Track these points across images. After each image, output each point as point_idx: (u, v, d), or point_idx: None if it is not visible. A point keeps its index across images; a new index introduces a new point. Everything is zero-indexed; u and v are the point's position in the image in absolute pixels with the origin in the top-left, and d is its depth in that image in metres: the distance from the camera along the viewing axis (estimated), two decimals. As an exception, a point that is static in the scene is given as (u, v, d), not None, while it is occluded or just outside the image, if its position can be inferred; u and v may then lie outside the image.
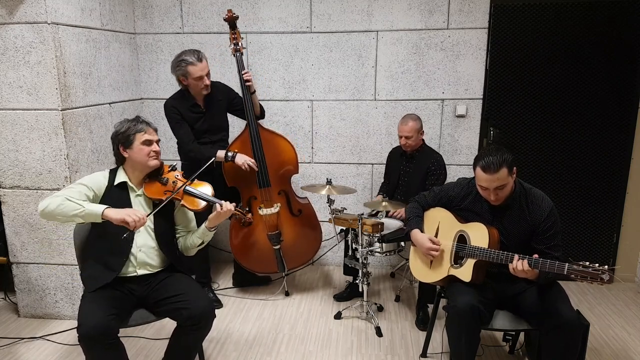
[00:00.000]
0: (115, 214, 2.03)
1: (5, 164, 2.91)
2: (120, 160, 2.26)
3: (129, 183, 2.24)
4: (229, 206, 2.24)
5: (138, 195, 2.26)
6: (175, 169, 2.34)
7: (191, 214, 2.41)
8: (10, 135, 2.86)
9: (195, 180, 2.34)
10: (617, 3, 3.27)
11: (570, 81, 3.42)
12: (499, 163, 2.11)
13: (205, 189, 2.33)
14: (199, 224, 2.42)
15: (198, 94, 3.06)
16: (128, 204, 2.22)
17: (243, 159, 3.06)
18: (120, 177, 2.24)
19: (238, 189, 3.26)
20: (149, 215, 2.15)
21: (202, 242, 2.35)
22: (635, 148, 3.48)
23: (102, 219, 2.04)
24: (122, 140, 2.19)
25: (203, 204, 2.27)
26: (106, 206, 2.05)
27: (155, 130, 2.27)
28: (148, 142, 2.20)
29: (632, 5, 3.26)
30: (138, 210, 2.12)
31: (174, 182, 2.27)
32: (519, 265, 2.06)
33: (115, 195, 2.21)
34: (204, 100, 3.10)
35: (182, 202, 2.25)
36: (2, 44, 2.75)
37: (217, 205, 2.23)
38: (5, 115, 2.84)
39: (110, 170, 2.27)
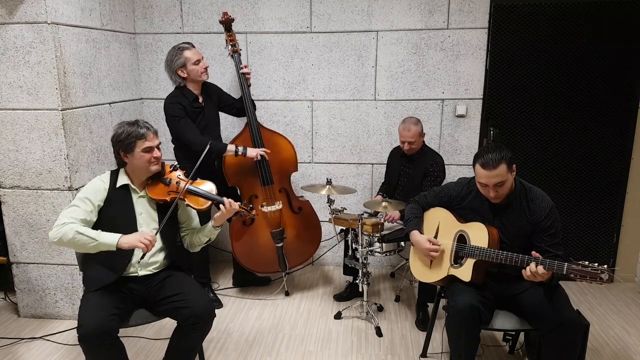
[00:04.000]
0: (128, 242, 2.05)
1: (5, 164, 2.91)
2: (122, 164, 2.24)
3: (131, 185, 2.24)
4: (234, 205, 2.26)
5: (141, 196, 2.25)
6: (177, 168, 2.33)
7: (193, 212, 2.41)
8: (10, 135, 2.86)
9: (198, 178, 2.34)
10: (618, 3, 3.27)
11: (570, 81, 3.42)
12: (498, 159, 2.12)
13: (208, 186, 2.33)
14: (201, 221, 2.43)
15: (197, 85, 3.07)
16: (131, 206, 2.22)
17: (255, 152, 3.09)
18: (122, 179, 2.22)
19: (239, 189, 3.27)
20: (157, 232, 2.16)
21: (209, 239, 2.38)
22: (635, 148, 3.47)
23: (117, 248, 2.05)
24: (122, 146, 2.17)
25: (208, 202, 2.27)
26: (119, 237, 2.05)
27: (156, 133, 2.23)
28: (149, 149, 2.17)
29: (632, 5, 3.26)
30: (146, 233, 2.12)
31: (177, 182, 2.27)
32: (532, 268, 2.03)
33: (118, 197, 2.20)
34: (202, 94, 3.12)
35: (187, 202, 2.25)
36: (2, 44, 2.75)
37: (222, 205, 2.24)
38: (5, 115, 2.84)
39: (112, 171, 2.26)
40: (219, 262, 4.00)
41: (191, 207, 2.28)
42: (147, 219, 2.25)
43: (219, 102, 3.26)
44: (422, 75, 3.57)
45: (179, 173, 2.32)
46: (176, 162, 2.44)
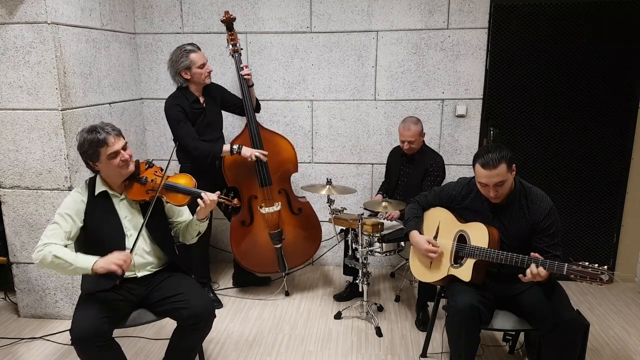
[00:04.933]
0: (102, 267, 1.97)
1: (5, 164, 2.91)
2: (95, 171, 2.17)
3: (110, 191, 2.18)
4: (212, 197, 2.20)
5: (122, 199, 2.21)
6: (152, 165, 2.26)
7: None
8: (10, 135, 2.86)
9: (175, 173, 2.30)
10: (618, 3, 3.27)
11: (570, 81, 3.42)
12: (498, 159, 2.12)
13: (186, 180, 2.27)
14: (192, 210, 2.37)
15: (199, 87, 3.07)
16: (114, 212, 2.18)
17: (250, 151, 3.07)
18: (99, 187, 2.16)
19: (238, 189, 3.27)
20: (132, 249, 2.08)
21: (199, 232, 2.34)
22: (635, 148, 3.47)
23: (93, 272, 1.99)
24: (87, 156, 2.09)
25: (187, 197, 2.22)
26: (94, 261, 1.98)
27: (119, 134, 2.12)
28: (114, 155, 2.08)
29: (632, 5, 3.26)
30: (120, 253, 2.02)
31: (152, 180, 2.20)
32: (533, 270, 2.03)
33: (99, 206, 2.15)
34: (203, 95, 3.12)
35: (166, 199, 2.21)
36: (2, 44, 2.75)
37: (200, 198, 2.19)
38: (5, 115, 2.84)
39: (89, 179, 2.19)
40: (219, 262, 4.00)
41: (171, 204, 2.24)
42: (132, 221, 2.22)
43: (222, 102, 3.26)
44: (422, 75, 3.57)
45: (154, 170, 2.24)
46: (151, 159, 2.38)
